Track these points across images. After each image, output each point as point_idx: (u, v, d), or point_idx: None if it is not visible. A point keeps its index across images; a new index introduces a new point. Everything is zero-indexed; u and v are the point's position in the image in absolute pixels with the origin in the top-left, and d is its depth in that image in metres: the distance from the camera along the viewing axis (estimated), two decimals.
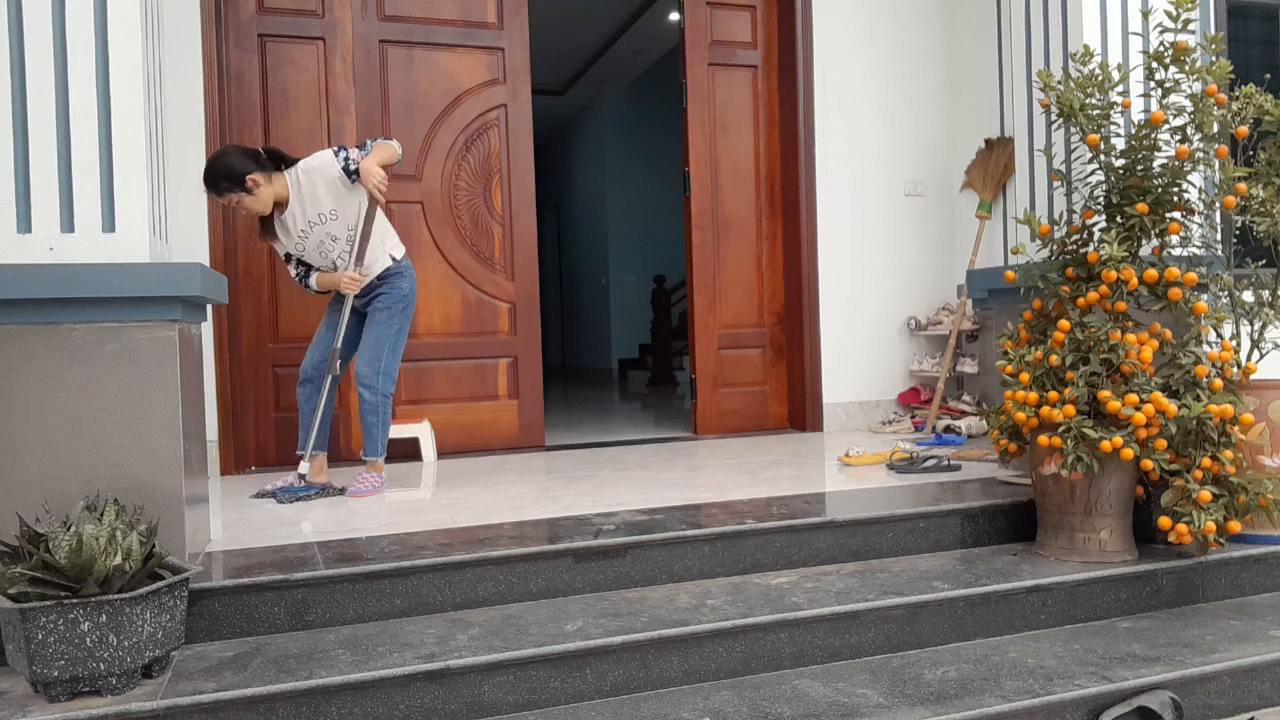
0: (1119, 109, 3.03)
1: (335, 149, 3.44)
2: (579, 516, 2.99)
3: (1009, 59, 4.30)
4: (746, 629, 2.39)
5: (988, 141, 4.94)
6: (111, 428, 2.44)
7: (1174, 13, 2.90)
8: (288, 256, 3.61)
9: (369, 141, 3.53)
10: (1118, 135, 3.09)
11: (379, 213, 3.57)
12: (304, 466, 3.57)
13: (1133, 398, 2.68)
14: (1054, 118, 3.06)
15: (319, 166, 3.41)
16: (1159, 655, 2.44)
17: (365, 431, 3.60)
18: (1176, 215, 2.96)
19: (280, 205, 3.44)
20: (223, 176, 3.29)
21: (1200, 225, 3.05)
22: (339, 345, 3.57)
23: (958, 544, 3.00)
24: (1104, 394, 2.72)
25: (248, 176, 3.30)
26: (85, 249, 2.46)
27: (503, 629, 2.36)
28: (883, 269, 5.18)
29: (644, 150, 10.69)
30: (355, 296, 3.59)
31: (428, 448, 4.39)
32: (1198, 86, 2.90)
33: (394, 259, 3.61)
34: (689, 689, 2.32)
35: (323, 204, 3.43)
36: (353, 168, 3.40)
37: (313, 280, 3.61)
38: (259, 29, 4.37)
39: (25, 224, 2.43)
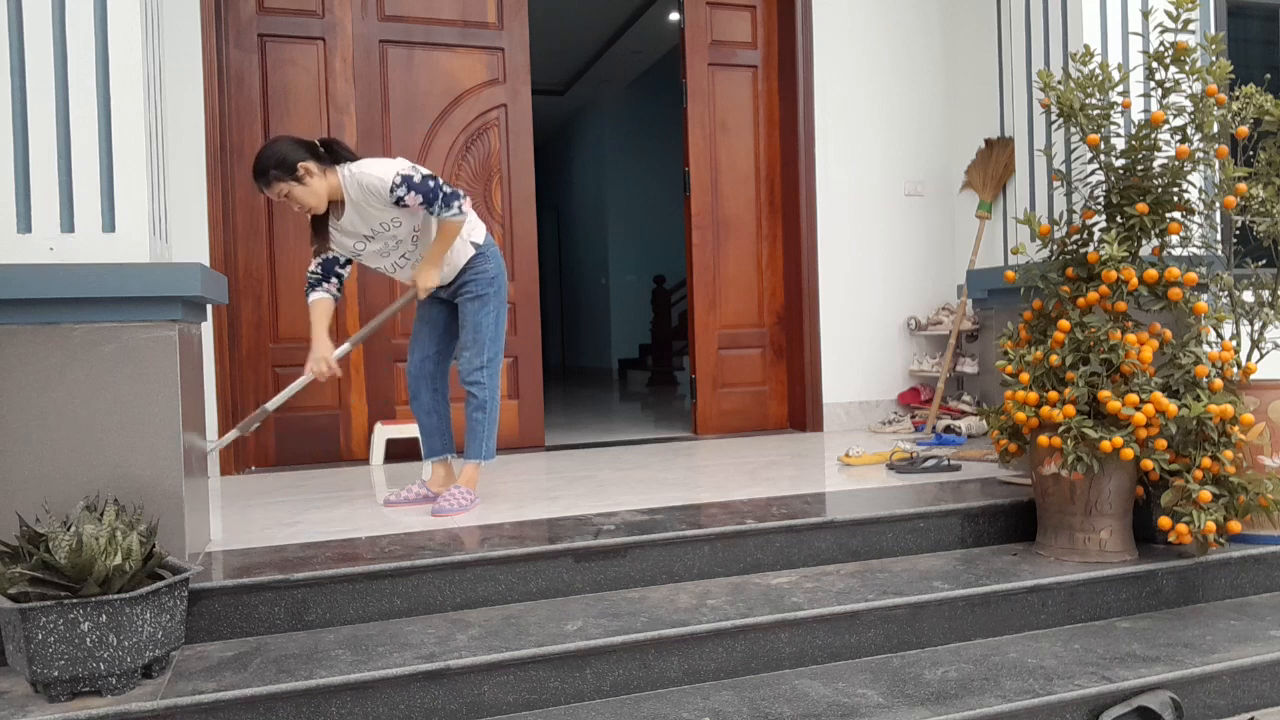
0: (1119, 109, 3.03)
1: (398, 180, 2.97)
2: (579, 516, 2.99)
3: (1009, 59, 4.30)
4: (746, 629, 2.39)
5: (988, 141, 4.94)
6: (112, 428, 2.44)
7: (1174, 13, 2.90)
8: (319, 250, 3.23)
9: (438, 195, 2.99)
10: (1118, 135, 3.09)
11: None
12: (426, 471, 3.43)
13: (1133, 398, 2.68)
14: (1054, 118, 3.06)
15: (372, 186, 3.00)
16: (1159, 655, 2.44)
17: (470, 430, 3.24)
18: (1176, 215, 2.96)
19: (336, 205, 3.11)
20: (273, 164, 2.97)
21: (1200, 225, 3.05)
22: (271, 407, 3.15)
23: (958, 544, 3.00)
24: (1104, 394, 2.72)
25: (299, 164, 2.97)
26: (85, 249, 2.46)
27: (503, 629, 2.36)
28: (883, 269, 5.19)
29: (644, 150, 10.69)
30: (441, 288, 3.26)
31: None
32: (1198, 86, 2.90)
33: (476, 245, 3.23)
34: (689, 689, 2.32)
35: (382, 214, 3.07)
36: (403, 206, 3.01)
37: (311, 297, 3.22)
38: (259, 29, 4.37)
39: (25, 224, 2.43)
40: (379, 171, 3.00)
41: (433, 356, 3.36)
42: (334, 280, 3.26)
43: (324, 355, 3.12)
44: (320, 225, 3.15)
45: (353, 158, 3.09)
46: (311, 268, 3.25)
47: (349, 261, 3.28)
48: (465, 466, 3.27)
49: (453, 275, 3.23)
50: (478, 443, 3.25)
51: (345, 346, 3.22)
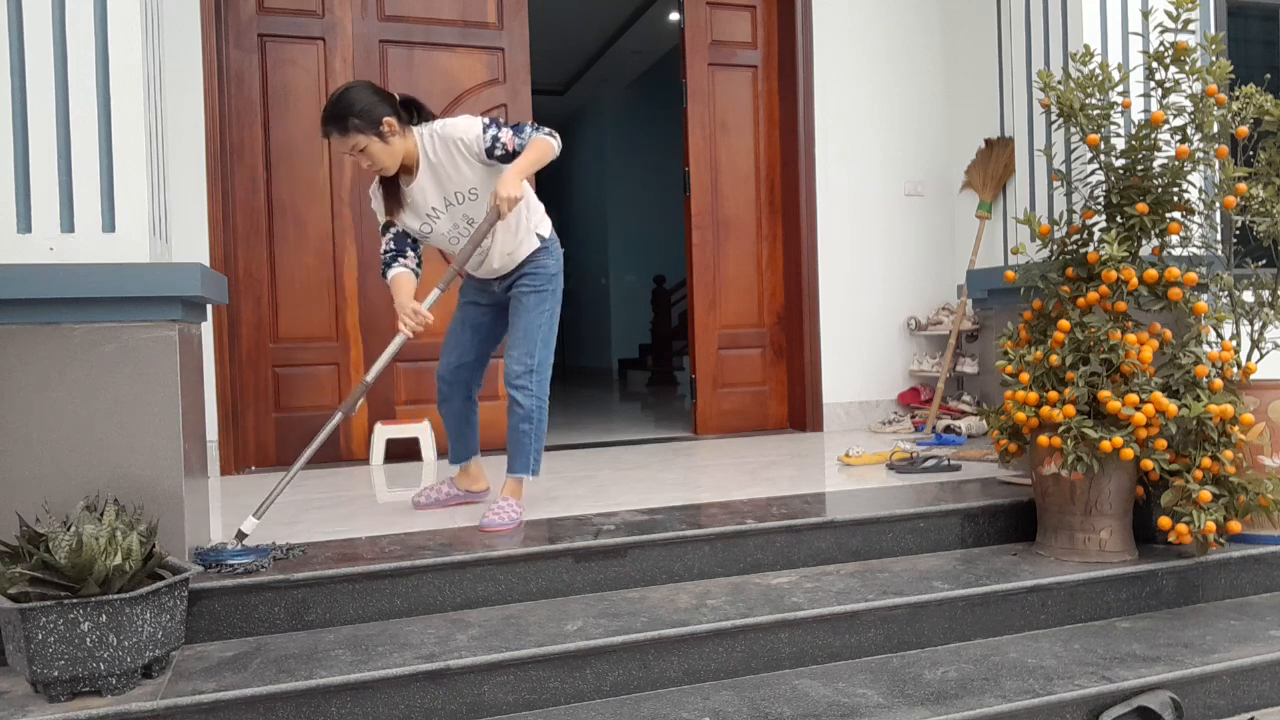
0: (1119, 109, 3.03)
1: (486, 121, 2.78)
2: (579, 516, 2.99)
3: (1009, 59, 4.30)
4: (746, 629, 2.39)
5: (988, 141, 4.94)
6: (112, 428, 2.44)
7: (1174, 13, 2.90)
8: (387, 226, 2.94)
9: (527, 126, 2.81)
10: (1118, 135, 3.09)
11: (528, 188, 2.95)
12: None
13: (1133, 398, 2.68)
14: (1054, 118, 3.06)
15: (460, 137, 2.76)
16: (1159, 655, 2.44)
17: (515, 442, 2.95)
18: (1176, 215, 2.96)
19: (408, 171, 2.83)
20: (354, 112, 2.68)
21: (1200, 225, 3.05)
22: (370, 378, 2.83)
23: (958, 544, 3.00)
24: (1104, 394, 2.72)
25: (384, 119, 2.70)
26: (85, 249, 2.46)
27: (503, 629, 2.36)
28: (883, 269, 5.19)
29: (644, 150, 10.69)
30: (496, 280, 3.02)
31: (428, 448, 4.39)
32: (1198, 86, 2.90)
33: (541, 237, 2.98)
34: (689, 689, 2.32)
35: (462, 180, 2.80)
36: (499, 152, 2.77)
37: (390, 274, 2.90)
38: (259, 29, 4.37)
39: (25, 224, 2.43)
40: (464, 122, 2.78)
41: (470, 363, 3.10)
42: (411, 255, 2.93)
43: (412, 306, 2.77)
44: (393, 189, 2.86)
45: (431, 118, 2.86)
46: (384, 246, 2.94)
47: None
48: (508, 480, 3.00)
49: (511, 267, 2.97)
50: (524, 456, 2.96)
51: (433, 294, 2.82)
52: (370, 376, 2.83)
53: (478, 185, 2.83)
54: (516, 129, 2.80)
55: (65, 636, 1.98)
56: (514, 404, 2.93)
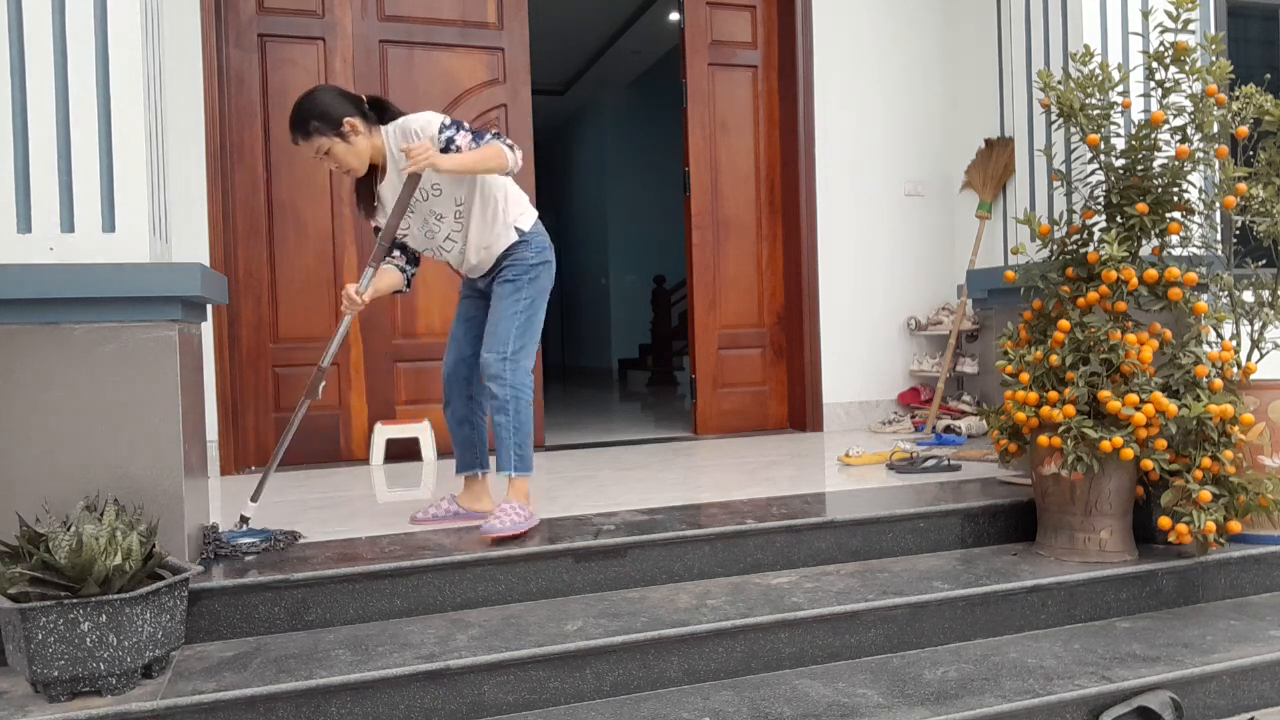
0: (1119, 109, 3.03)
1: (446, 120, 2.79)
2: (579, 516, 2.99)
3: (1009, 59, 4.30)
4: (746, 629, 2.39)
5: (988, 141, 4.94)
6: (111, 428, 2.44)
7: (1174, 13, 2.90)
8: (370, 219, 3.00)
9: (488, 134, 2.80)
10: (1118, 135, 3.09)
11: (509, 179, 2.94)
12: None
13: (1133, 398, 2.68)
14: (1054, 118, 3.06)
15: (417, 129, 2.77)
16: (1159, 655, 2.44)
17: (496, 438, 2.88)
18: (1176, 215, 2.96)
19: (379, 170, 2.87)
20: (315, 115, 2.72)
21: (1200, 225, 3.05)
22: (325, 363, 2.88)
23: (958, 544, 3.00)
24: (1104, 394, 2.72)
25: (345, 119, 2.73)
26: (85, 249, 2.46)
27: (503, 629, 2.37)
28: (883, 269, 5.18)
29: (644, 150, 10.68)
30: (480, 277, 3.00)
31: (428, 448, 4.39)
32: (1198, 86, 2.90)
33: (520, 231, 2.92)
34: (689, 689, 2.32)
35: (424, 176, 2.81)
36: (452, 149, 2.75)
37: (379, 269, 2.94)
38: (259, 29, 4.37)
39: (25, 224, 2.43)
40: (424, 115, 2.80)
41: (468, 359, 3.03)
42: (399, 253, 2.96)
43: (347, 292, 2.81)
44: (365, 190, 2.90)
45: (399, 116, 2.87)
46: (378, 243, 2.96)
47: None
48: (509, 482, 2.89)
49: (490, 263, 2.94)
50: (505, 452, 2.86)
51: (366, 273, 2.85)
52: (325, 361, 2.87)
53: (440, 181, 2.82)
54: (477, 135, 2.78)
55: (65, 636, 1.98)
56: (489, 395, 2.88)
